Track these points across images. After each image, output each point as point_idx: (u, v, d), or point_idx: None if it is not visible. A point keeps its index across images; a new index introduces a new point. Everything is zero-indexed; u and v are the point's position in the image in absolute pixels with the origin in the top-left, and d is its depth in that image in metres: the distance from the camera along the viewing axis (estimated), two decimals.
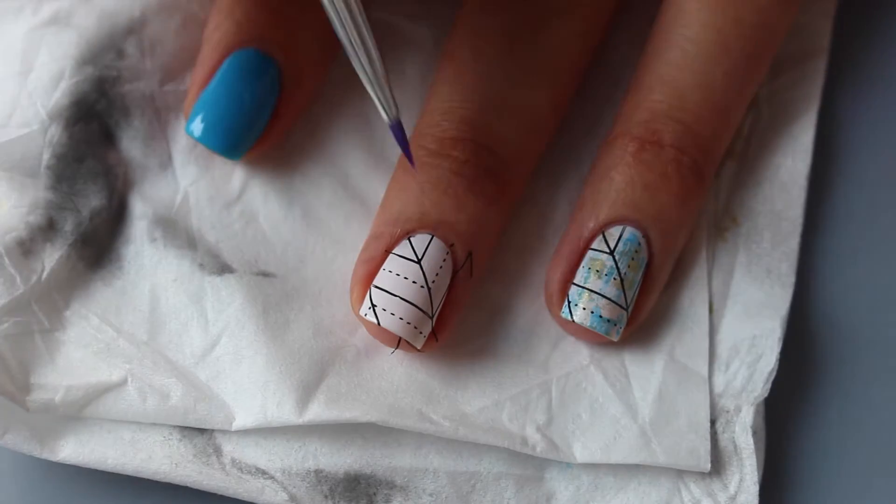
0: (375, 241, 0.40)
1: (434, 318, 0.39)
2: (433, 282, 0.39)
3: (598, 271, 0.40)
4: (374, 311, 0.39)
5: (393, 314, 0.39)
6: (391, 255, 0.39)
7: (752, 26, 0.41)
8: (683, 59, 0.41)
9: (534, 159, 0.42)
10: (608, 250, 0.40)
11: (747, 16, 0.41)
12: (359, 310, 0.39)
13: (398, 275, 0.39)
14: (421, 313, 0.39)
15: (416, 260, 0.39)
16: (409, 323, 0.39)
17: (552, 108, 0.42)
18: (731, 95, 0.41)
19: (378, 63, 0.37)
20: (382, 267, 0.39)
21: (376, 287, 0.39)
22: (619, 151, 0.41)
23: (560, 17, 0.41)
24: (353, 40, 0.36)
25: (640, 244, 0.40)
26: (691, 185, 0.41)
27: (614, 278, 0.40)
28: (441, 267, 0.39)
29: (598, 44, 0.43)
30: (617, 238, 0.40)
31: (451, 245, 0.39)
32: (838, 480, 0.41)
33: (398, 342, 0.39)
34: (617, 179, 0.40)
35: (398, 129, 0.38)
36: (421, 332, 0.39)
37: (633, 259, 0.40)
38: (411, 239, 0.39)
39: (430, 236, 0.39)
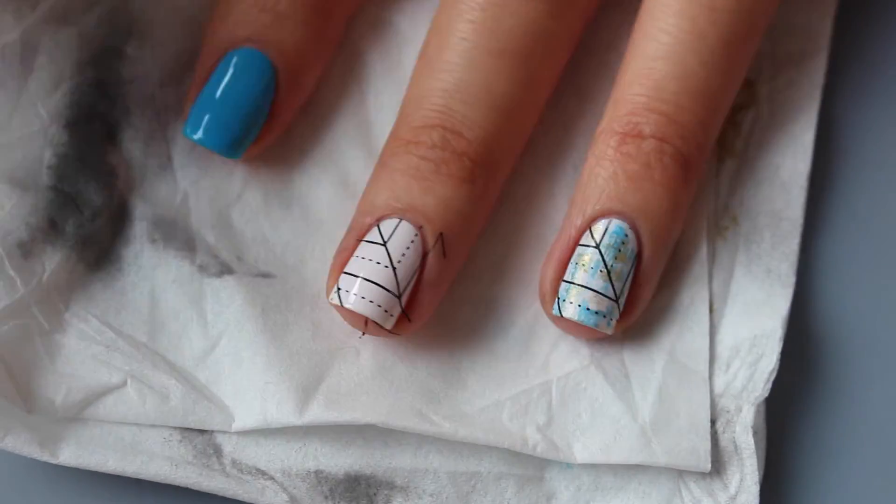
0: (350, 232, 0.41)
1: (402, 299, 0.39)
2: (398, 262, 0.39)
3: (583, 265, 0.40)
4: (338, 293, 0.39)
5: (356, 294, 0.39)
6: (362, 242, 0.40)
7: (727, 11, 0.41)
8: (660, 51, 0.41)
9: (510, 140, 0.42)
10: (594, 244, 0.40)
11: (721, 2, 0.41)
12: (328, 296, 0.40)
13: (363, 258, 0.39)
14: (386, 293, 0.39)
15: (381, 243, 0.39)
16: (372, 302, 0.39)
17: (525, 89, 0.42)
18: (713, 82, 0.41)
19: None
20: (353, 254, 0.40)
21: (345, 273, 0.40)
22: (601, 147, 0.41)
23: (526, 2, 0.42)
24: None
25: (626, 235, 0.40)
26: (676, 174, 0.41)
27: (600, 270, 0.40)
28: (408, 248, 0.39)
29: (581, 23, 0.43)
30: (603, 231, 0.40)
31: (420, 227, 0.40)
32: (838, 480, 0.41)
33: (366, 322, 0.39)
34: (601, 175, 0.41)
35: None
36: (388, 313, 0.39)
37: (619, 251, 0.40)
38: (380, 225, 0.40)
39: (399, 220, 0.40)
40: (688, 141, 0.41)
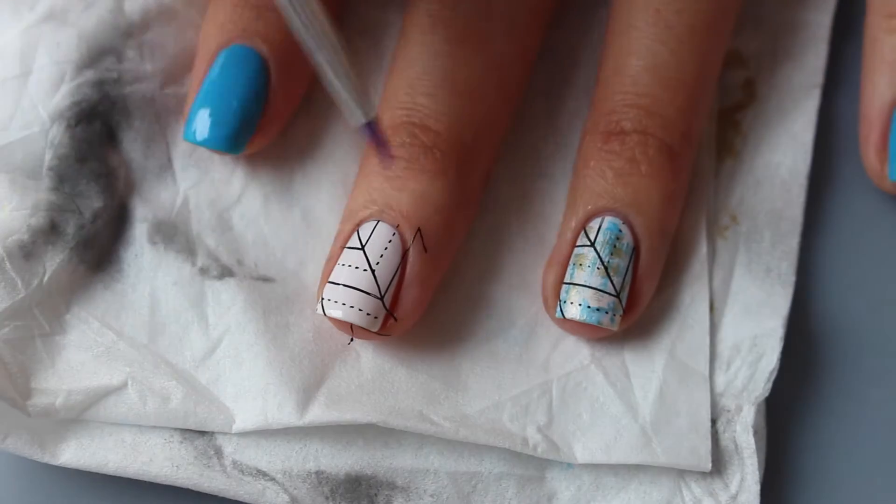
0: (335, 241, 0.41)
1: (386, 300, 0.39)
2: (377, 263, 0.39)
3: (581, 265, 0.40)
4: (321, 304, 0.39)
5: (336, 301, 0.39)
6: (344, 249, 0.40)
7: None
8: (630, 46, 0.42)
9: (484, 126, 0.42)
10: (589, 243, 0.40)
11: None
12: (316, 308, 0.40)
13: (344, 265, 0.40)
14: (367, 296, 0.39)
15: (360, 247, 0.39)
16: (353, 307, 0.39)
17: (490, 72, 0.42)
18: (687, 70, 0.42)
19: (345, 58, 0.37)
20: (337, 262, 0.40)
21: (329, 282, 0.40)
22: (587, 148, 0.41)
23: None
24: (313, 36, 0.37)
25: (621, 231, 0.40)
26: (663, 164, 0.41)
27: (598, 268, 0.40)
28: (386, 248, 0.39)
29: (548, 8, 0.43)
30: (597, 229, 0.40)
31: (398, 225, 0.40)
32: (839, 480, 0.41)
33: (351, 328, 0.39)
34: (590, 175, 0.41)
35: (371, 129, 0.38)
36: (371, 316, 0.39)
37: (615, 247, 0.40)
38: (359, 229, 0.40)
39: (376, 222, 0.40)
40: (670, 131, 0.41)
